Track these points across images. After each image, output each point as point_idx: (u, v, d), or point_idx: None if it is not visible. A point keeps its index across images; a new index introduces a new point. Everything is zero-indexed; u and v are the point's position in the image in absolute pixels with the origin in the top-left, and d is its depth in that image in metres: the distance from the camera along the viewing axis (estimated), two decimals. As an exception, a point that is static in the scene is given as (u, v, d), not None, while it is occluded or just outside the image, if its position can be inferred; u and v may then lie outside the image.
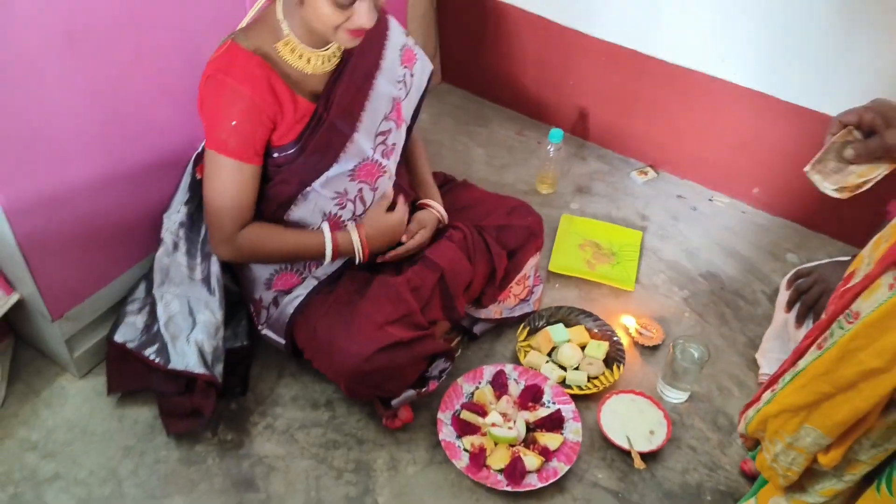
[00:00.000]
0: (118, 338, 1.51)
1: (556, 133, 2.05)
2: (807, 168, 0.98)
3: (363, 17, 1.24)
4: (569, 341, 1.73)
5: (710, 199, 2.18)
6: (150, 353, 1.48)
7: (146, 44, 1.38)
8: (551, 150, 2.06)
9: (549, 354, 1.72)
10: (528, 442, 1.53)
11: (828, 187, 0.97)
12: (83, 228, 1.44)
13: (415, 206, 1.67)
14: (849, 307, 0.88)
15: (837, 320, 0.90)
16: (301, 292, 1.51)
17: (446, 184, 1.82)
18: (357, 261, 1.51)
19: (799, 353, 0.98)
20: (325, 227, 1.47)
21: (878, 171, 0.94)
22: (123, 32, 1.32)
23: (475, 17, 2.33)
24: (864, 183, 0.94)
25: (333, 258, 1.48)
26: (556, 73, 2.29)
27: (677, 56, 2.03)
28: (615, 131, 2.28)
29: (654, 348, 1.76)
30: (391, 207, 1.55)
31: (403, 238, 1.59)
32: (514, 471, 1.47)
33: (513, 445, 1.52)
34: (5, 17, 1.14)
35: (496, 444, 1.52)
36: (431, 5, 2.35)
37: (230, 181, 1.36)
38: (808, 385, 0.92)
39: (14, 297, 1.46)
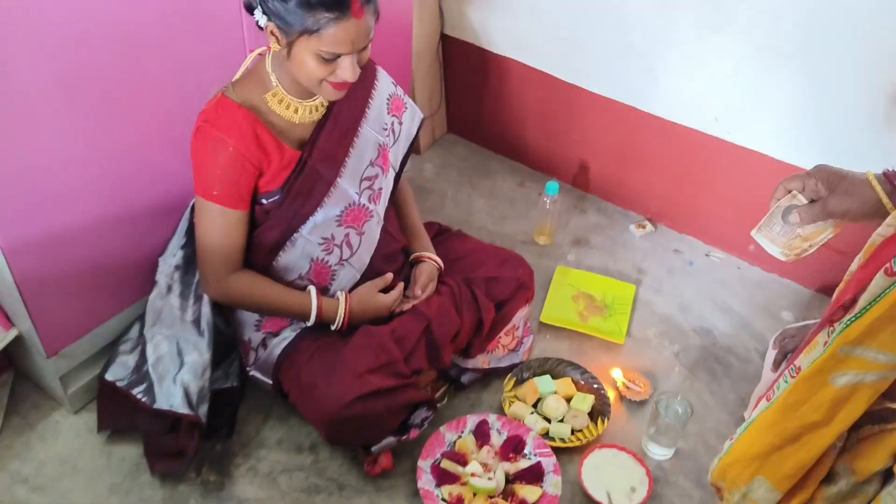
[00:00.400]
0: (109, 376, 1.56)
1: (552, 186, 2.08)
2: (753, 231, 1.00)
3: (347, 71, 1.30)
4: (555, 393, 1.74)
5: (706, 255, 2.19)
6: (138, 392, 1.52)
7: (142, 94, 1.45)
8: (547, 202, 2.10)
9: (535, 406, 1.73)
10: (507, 493, 1.53)
11: (774, 250, 1.00)
12: (80, 270, 1.50)
13: (406, 254, 1.71)
14: (793, 363, 0.90)
15: (783, 375, 0.92)
16: (289, 335, 1.55)
17: (441, 234, 1.86)
18: (334, 328, 1.55)
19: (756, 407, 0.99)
20: (313, 291, 1.52)
21: (822, 235, 0.96)
22: (119, 83, 1.39)
23: (480, 71, 2.40)
24: (810, 246, 0.97)
25: (316, 322, 1.53)
26: (557, 127, 2.33)
27: (674, 114, 2.07)
28: (615, 184, 2.31)
29: (642, 403, 1.76)
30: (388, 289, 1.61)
31: (417, 291, 1.64)
32: (491, 522, 1.47)
33: (491, 496, 1.52)
34: (4, 74, 1.21)
35: (475, 494, 1.53)
36: (437, 59, 2.42)
37: (217, 226, 1.42)
38: (758, 436, 0.94)
39: (13, 333, 1.52)
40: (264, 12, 1.27)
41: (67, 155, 1.38)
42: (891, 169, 0.93)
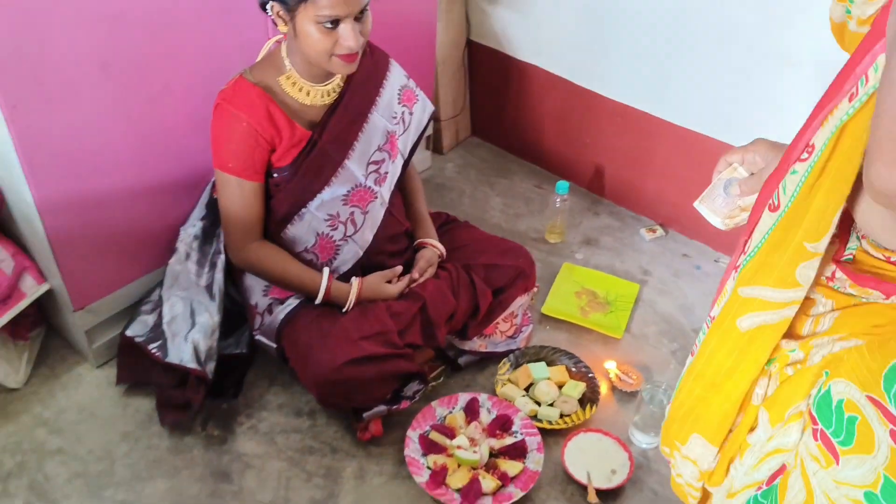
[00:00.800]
0: (129, 332, 1.69)
1: (563, 185, 2.16)
2: (696, 203, 1.06)
3: (349, 38, 1.40)
4: (548, 379, 1.79)
5: (715, 261, 2.22)
6: (153, 347, 1.64)
7: (174, 77, 1.58)
8: (557, 200, 2.17)
9: (527, 390, 1.79)
10: (489, 467, 1.60)
11: (716, 220, 1.05)
12: (108, 232, 1.63)
13: (410, 238, 1.81)
14: (710, 313, 0.95)
15: (702, 326, 0.97)
16: (293, 302, 1.65)
17: (448, 223, 1.95)
18: (344, 311, 1.63)
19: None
20: (326, 272, 1.62)
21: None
22: (154, 66, 1.53)
23: (503, 76, 2.49)
24: (748, 216, 1.02)
25: (323, 299, 1.62)
26: (574, 131, 2.41)
27: (686, 119, 2.12)
28: (628, 189, 2.37)
29: (633, 394, 1.80)
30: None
31: (415, 275, 1.72)
32: (470, 491, 1.53)
33: (474, 468, 1.59)
34: (46, 49, 1.36)
35: (459, 465, 1.59)
36: (463, 63, 2.53)
37: (234, 196, 1.54)
38: (687, 390, 0.98)
39: (45, 287, 1.66)
40: None
41: (102, 125, 1.51)
42: None
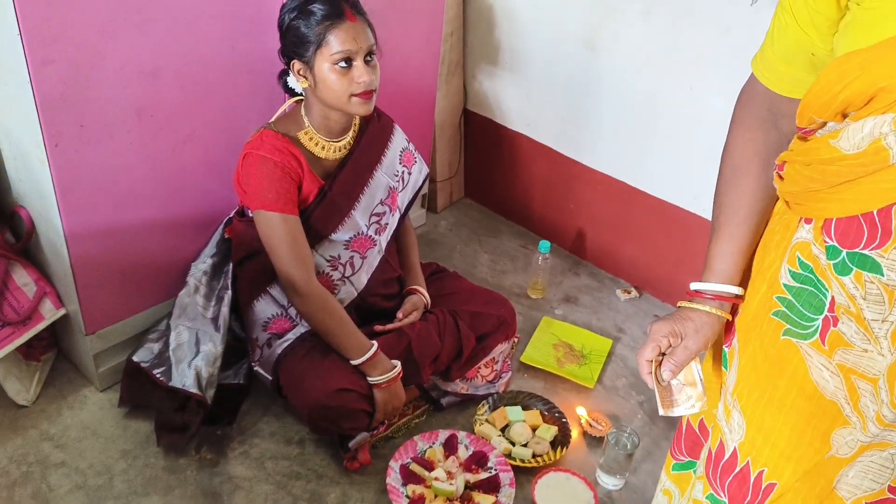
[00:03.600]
0: (136, 357, 1.81)
1: (545, 244, 2.33)
2: (661, 412, 1.08)
3: (363, 74, 1.57)
4: (523, 421, 1.92)
5: (684, 322, 2.37)
6: (158, 372, 1.77)
7: (199, 127, 1.76)
8: (539, 259, 2.33)
9: (503, 430, 1.91)
10: (464, 498, 1.71)
11: (684, 410, 1.07)
12: (125, 263, 1.78)
13: (401, 283, 1.96)
14: None
15: None
16: (290, 337, 1.79)
17: (438, 272, 2.10)
18: (379, 381, 1.70)
19: None
20: (375, 345, 1.71)
21: (694, 370, 1.06)
22: (182, 117, 1.71)
23: (495, 143, 2.70)
24: (700, 382, 1.06)
25: (360, 365, 1.69)
26: (559, 197, 2.60)
27: (660, 191, 2.31)
28: (607, 252, 2.54)
29: (601, 440, 1.93)
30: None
31: (399, 315, 1.87)
32: (445, 519, 1.65)
33: (450, 499, 1.70)
34: (90, 96, 1.54)
35: (436, 496, 1.71)
36: (459, 130, 2.73)
37: (283, 232, 1.64)
38: None
39: (62, 312, 1.80)
40: (288, 56, 1.60)
41: (131, 165, 1.68)
42: (693, 288, 1.06)
